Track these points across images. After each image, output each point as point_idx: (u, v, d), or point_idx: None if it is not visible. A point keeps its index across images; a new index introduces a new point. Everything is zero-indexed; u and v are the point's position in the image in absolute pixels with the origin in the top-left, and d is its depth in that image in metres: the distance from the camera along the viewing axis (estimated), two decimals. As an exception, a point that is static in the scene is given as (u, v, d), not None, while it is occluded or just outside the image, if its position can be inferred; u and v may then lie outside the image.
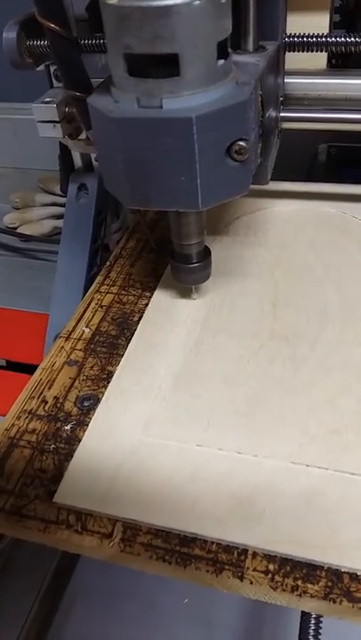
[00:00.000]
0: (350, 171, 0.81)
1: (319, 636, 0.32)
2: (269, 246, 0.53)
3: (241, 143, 0.36)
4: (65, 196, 1.02)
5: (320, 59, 0.54)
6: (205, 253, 0.46)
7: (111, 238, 0.74)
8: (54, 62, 0.55)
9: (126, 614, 0.41)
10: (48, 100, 0.58)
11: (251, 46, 0.42)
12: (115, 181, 0.39)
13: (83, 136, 0.62)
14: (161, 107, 0.34)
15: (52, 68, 0.61)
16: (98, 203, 0.68)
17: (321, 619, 0.33)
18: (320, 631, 0.32)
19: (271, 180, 0.47)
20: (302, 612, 0.33)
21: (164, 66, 0.34)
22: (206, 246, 0.46)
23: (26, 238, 0.97)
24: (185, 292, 0.49)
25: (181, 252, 0.45)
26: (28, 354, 0.73)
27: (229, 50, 0.36)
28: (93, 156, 0.68)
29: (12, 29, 0.53)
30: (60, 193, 1.04)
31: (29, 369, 0.70)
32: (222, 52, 0.35)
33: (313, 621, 0.33)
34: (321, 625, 0.33)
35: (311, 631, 0.32)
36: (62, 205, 1.01)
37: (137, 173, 0.37)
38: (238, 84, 0.36)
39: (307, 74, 0.52)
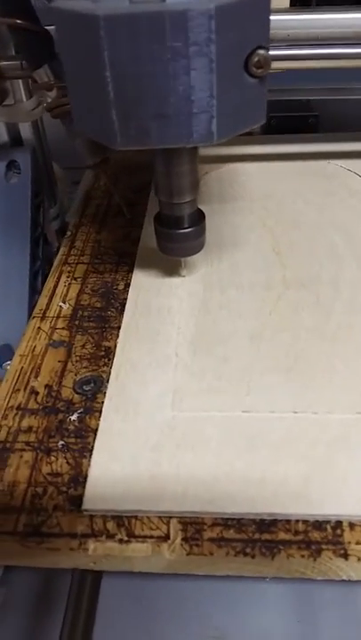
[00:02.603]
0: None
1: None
2: (252, 197, 0.48)
3: (261, 52, 0.29)
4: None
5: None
6: (199, 216, 0.37)
7: (49, 227, 0.64)
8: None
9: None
10: (-33, 52, 0.49)
11: None
12: (97, 115, 0.30)
13: (9, 101, 0.53)
14: (163, 0, 0.27)
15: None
16: (33, 182, 0.59)
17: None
18: None
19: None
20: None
21: None
22: (199, 208, 0.37)
23: None
24: (172, 268, 0.40)
25: (172, 215, 0.36)
26: None
27: None
28: (23, 126, 0.58)
29: None
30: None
31: None
32: None
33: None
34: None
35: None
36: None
37: (131, 97, 0.28)
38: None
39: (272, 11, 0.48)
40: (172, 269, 0.41)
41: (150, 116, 0.29)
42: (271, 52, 0.47)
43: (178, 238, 0.37)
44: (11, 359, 0.47)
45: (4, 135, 0.57)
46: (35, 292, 0.53)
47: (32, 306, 0.50)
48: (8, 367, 0.45)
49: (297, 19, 0.47)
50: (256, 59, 0.29)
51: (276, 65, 0.48)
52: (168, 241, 0.38)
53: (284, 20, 0.46)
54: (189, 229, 0.37)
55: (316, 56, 0.47)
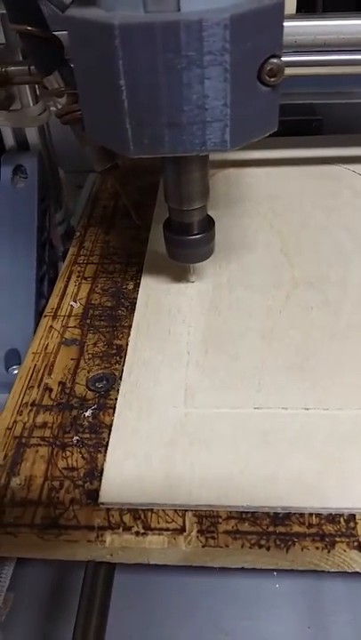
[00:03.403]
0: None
1: None
2: (259, 199, 0.49)
3: (274, 61, 0.29)
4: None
5: (289, 4, 0.50)
6: (209, 222, 0.37)
7: (55, 232, 0.64)
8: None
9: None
10: (-25, 57, 0.49)
11: None
12: (110, 124, 0.29)
13: (16, 106, 0.53)
14: (178, 9, 0.27)
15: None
16: (40, 186, 0.56)
17: None
18: None
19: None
20: None
21: None
22: (209, 214, 0.38)
23: None
24: (181, 274, 0.40)
25: (181, 221, 0.36)
26: None
27: None
28: (29, 130, 0.58)
29: None
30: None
31: None
32: None
33: None
34: None
35: None
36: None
37: (145, 105, 0.28)
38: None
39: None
40: (180, 275, 0.41)
41: (164, 125, 0.29)
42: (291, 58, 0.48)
43: (187, 245, 0.37)
44: (18, 364, 0.47)
45: (10, 140, 0.56)
46: (41, 297, 0.52)
47: (39, 310, 0.49)
48: (15, 372, 0.45)
49: (304, 25, 0.47)
50: (269, 67, 0.29)
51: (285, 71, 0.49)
52: (177, 247, 0.37)
53: (291, 27, 0.47)
54: (199, 236, 0.37)
55: (323, 62, 0.47)
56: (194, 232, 0.37)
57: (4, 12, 0.44)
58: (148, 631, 0.32)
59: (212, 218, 0.38)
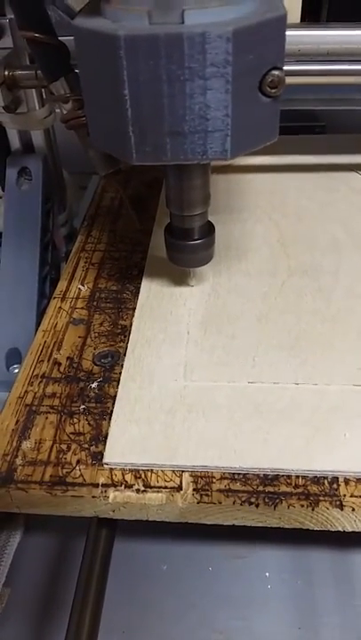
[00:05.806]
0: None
1: None
2: (257, 193, 0.51)
3: (275, 72, 0.30)
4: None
5: (293, 13, 0.52)
6: (209, 228, 0.38)
7: (58, 233, 0.62)
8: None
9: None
10: (-18, 60, 0.50)
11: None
12: (114, 131, 0.30)
13: (22, 109, 0.54)
14: (183, 22, 0.28)
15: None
16: (44, 188, 0.56)
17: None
18: None
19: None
20: None
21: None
22: (209, 220, 0.38)
23: None
24: (180, 278, 0.41)
25: (182, 227, 0.37)
26: None
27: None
28: (34, 133, 0.58)
29: None
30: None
31: None
32: None
33: None
34: None
35: None
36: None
37: (148, 114, 0.29)
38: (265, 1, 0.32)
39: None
40: (180, 279, 0.42)
41: (166, 134, 0.29)
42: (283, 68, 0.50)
43: (187, 249, 0.38)
44: (19, 363, 0.48)
45: (16, 142, 0.57)
46: (43, 297, 0.53)
47: (40, 311, 0.50)
48: (16, 371, 0.46)
49: (308, 34, 0.48)
50: (270, 79, 0.30)
51: (287, 80, 0.51)
52: (177, 251, 0.39)
53: (295, 36, 0.48)
54: (199, 241, 0.38)
55: (326, 72, 0.48)
56: (194, 237, 0.38)
57: (13, 17, 0.46)
58: (142, 630, 0.33)
59: (212, 223, 0.39)
